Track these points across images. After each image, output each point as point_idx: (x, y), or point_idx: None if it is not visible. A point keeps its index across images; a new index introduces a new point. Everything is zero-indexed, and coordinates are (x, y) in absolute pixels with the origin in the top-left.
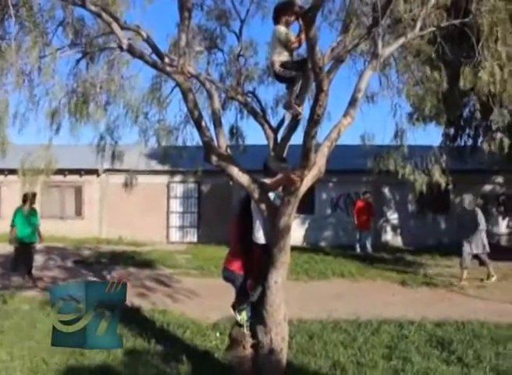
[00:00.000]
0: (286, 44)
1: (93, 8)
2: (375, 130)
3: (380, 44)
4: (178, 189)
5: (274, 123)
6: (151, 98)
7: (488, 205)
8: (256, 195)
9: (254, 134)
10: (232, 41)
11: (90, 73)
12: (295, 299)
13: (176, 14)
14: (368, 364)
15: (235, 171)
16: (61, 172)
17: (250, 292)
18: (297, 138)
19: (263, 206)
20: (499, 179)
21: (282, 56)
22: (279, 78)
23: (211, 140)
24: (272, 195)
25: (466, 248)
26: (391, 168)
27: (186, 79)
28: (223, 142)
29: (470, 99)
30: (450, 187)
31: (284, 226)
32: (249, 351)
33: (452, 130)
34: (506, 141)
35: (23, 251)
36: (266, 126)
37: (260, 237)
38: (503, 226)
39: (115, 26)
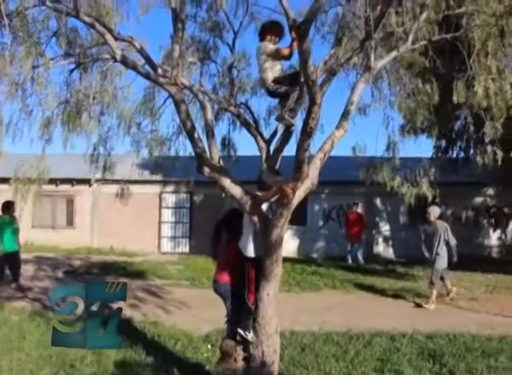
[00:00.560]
0: (275, 55)
1: (86, 18)
2: (367, 142)
3: (372, 57)
4: (170, 199)
5: (267, 134)
6: (143, 108)
7: (479, 217)
8: (248, 207)
9: (247, 145)
10: (225, 52)
11: (83, 83)
12: (287, 311)
13: (169, 25)
14: None
15: (227, 183)
16: (53, 181)
17: (252, 307)
18: (290, 149)
19: (255, 218)
20: (490, 191)
21: (274, 71)
22: (272, 94)
23: (203, 151)
24: (264, 207)
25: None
26: (380, 180)
27: (179, 90)
28: (216, 153)
29: (462, 112)
30: (438, 199)
31: (276, 239)
32: (240, 363)
33: (443, 142)
34: (500, 154)
35: (7, 260)
36: (259, 137)
37: (250, 250)
38: (493, 238)
39: (108, 36)
